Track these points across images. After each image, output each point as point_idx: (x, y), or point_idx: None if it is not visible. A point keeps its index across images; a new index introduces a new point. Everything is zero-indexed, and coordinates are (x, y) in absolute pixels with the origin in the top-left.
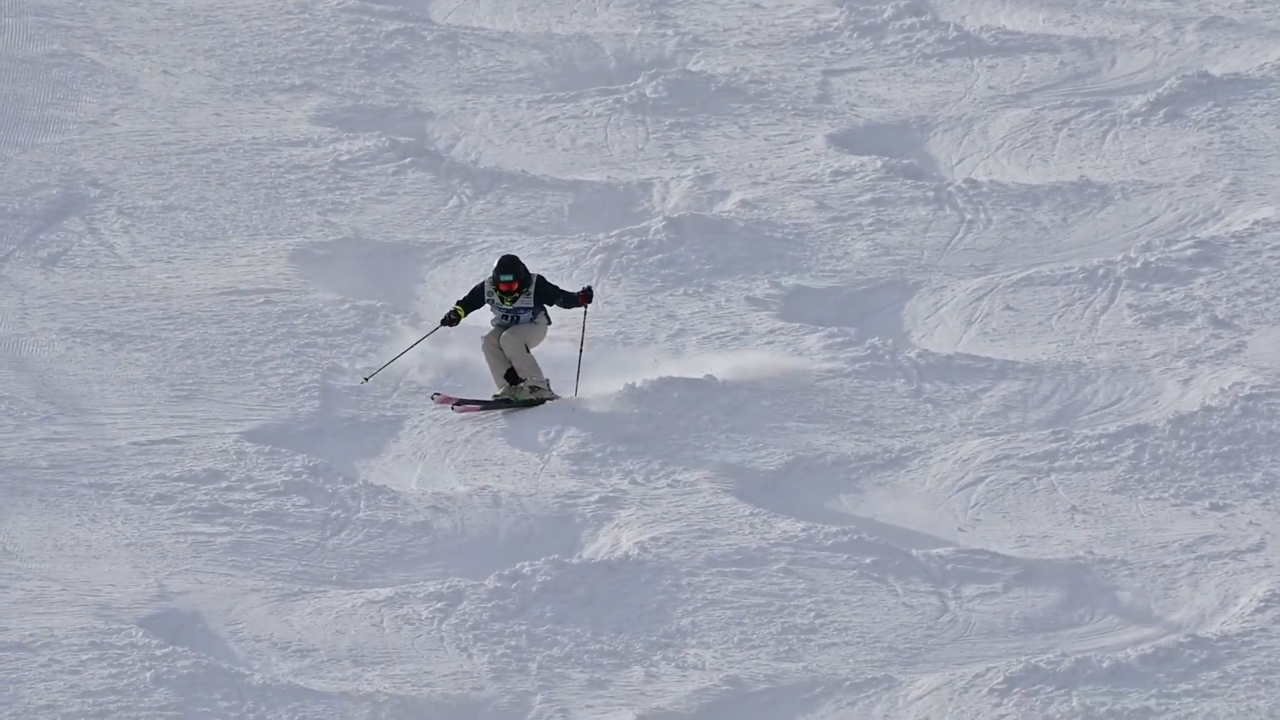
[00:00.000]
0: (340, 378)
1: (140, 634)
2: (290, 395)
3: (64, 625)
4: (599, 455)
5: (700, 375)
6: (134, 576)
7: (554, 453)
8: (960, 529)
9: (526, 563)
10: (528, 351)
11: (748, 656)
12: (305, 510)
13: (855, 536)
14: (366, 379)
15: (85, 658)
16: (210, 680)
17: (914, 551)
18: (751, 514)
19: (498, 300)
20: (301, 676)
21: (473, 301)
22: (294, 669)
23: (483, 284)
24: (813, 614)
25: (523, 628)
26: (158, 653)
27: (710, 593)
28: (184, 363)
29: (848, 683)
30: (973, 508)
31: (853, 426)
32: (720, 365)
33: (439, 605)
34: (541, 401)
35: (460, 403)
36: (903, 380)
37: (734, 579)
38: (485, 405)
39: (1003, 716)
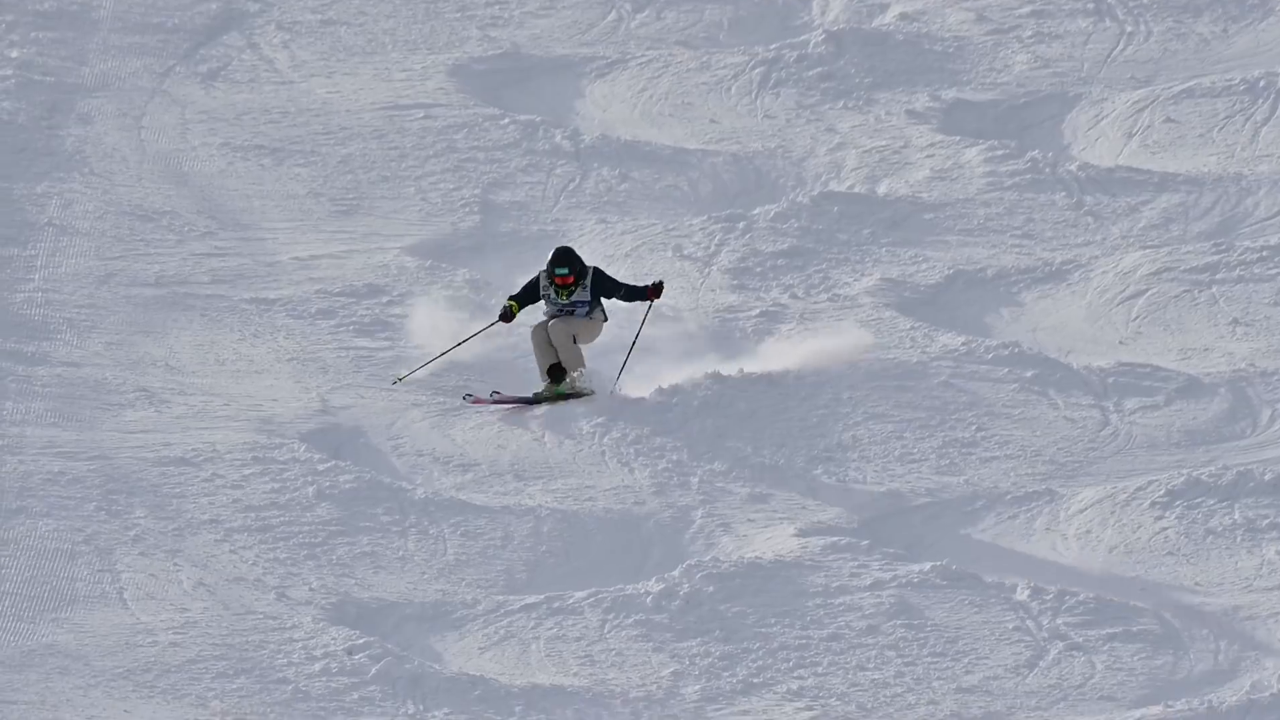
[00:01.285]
0: (500, 192)
1: (302, 449)
2: (450, 210)
3: (226, 440)
4: (759, 269)
5: (861, 190)
6: (296, 391)
7: (714, 267)
8: (1121, 342)
9: (687, 376)
10: (575, 343)
11: (909, 470)
12: (467, 325)
13: (1016, 350)
14: (399, 380)
15: (248, 472)
16: (373, 494)
17: (1075, 364)
18: (912, 328)
19: (553, 295)
20: (464, 491)
21: (526, 296)
22: (456, 483)
23: (537, 278)
24: (974, 428)
25: (683, 442)
26: (320, 467)
27: (871, 406)
28: (344, 178)
29: (1009, 496)
30: (1134, 321)
31: (1013, 239)
32: (886, 184)
33: (599, 421)
34: (578, 396)
35: (497, 400)
36: (1063, 193)
37: (894, 393)
38: (522, 401)
39: (1164, 529)
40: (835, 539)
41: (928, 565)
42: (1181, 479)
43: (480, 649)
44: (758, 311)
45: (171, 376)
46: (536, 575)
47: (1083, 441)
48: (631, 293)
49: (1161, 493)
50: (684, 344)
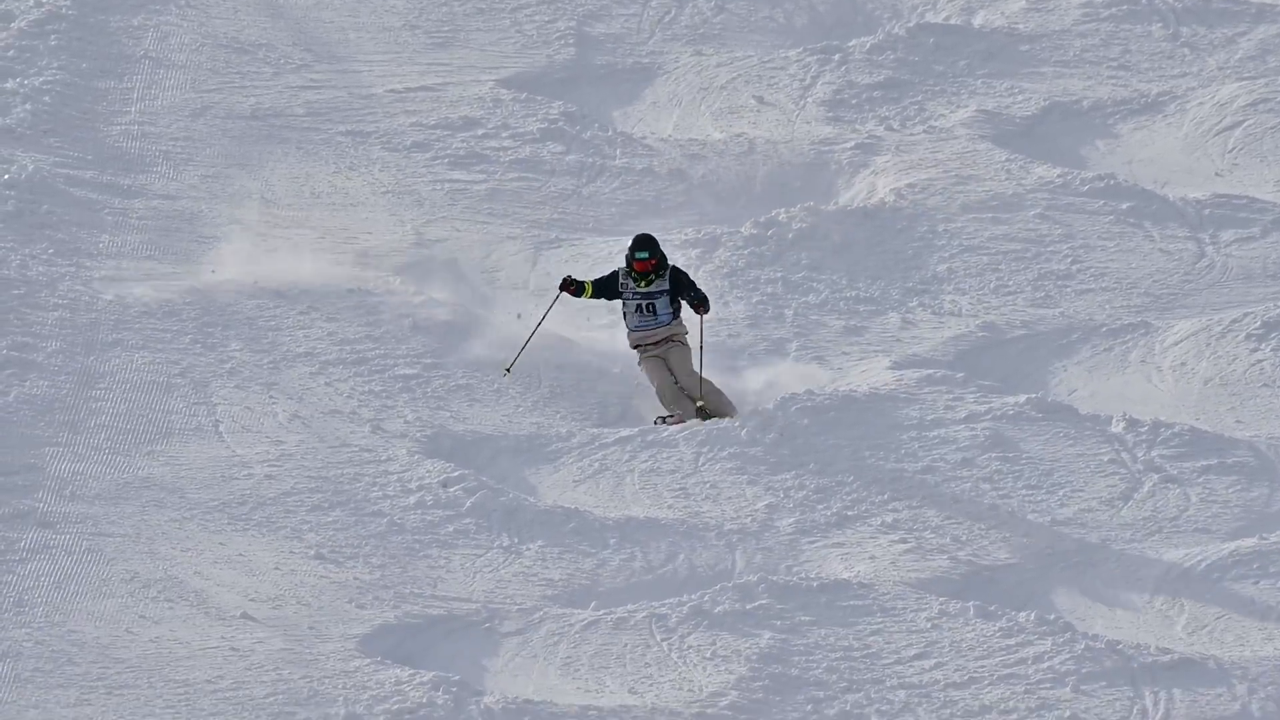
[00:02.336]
0: (595, 24)
1: (397, 281)
2: (545, 43)
3: (321, 273)
4: (854, 102)
5: (957, 21)
6: (391, 224)
7: (809, 99)
8: (1217, 174)
9: (782, 209)
10: (710, 384)
11: (1004, 302)
12: (561, 158)
13: (1111, 182)
14: (507, 370)
15: (342, 305)
16: (467, 327)
17: (1171, 196)
18: (1008, 159)
19: (632, 285)
20: (559, 329)
21: (603, 287)
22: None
23: (615, 273)
24: (1069, 259)
25: (778, 274)
26: (414, 300)
27: (966, 239)
28: (440, 9)
29: (1104, 329)
30: (1230, 152)
31: (1109, 71)
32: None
33: (695, 253)
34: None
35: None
36: (1159, 24)
37: (990, 225)
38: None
39: (1259, 361)
40: (930, 372)
41: (1023, 398)
42: (1278, 311)
43: (575, 482)
44: (853, 144)
45: (266, 209)
46: (630, 408)
47: (1178, 274)
48: (698, 299)
49: (1257, 325)
50: (779, 175)
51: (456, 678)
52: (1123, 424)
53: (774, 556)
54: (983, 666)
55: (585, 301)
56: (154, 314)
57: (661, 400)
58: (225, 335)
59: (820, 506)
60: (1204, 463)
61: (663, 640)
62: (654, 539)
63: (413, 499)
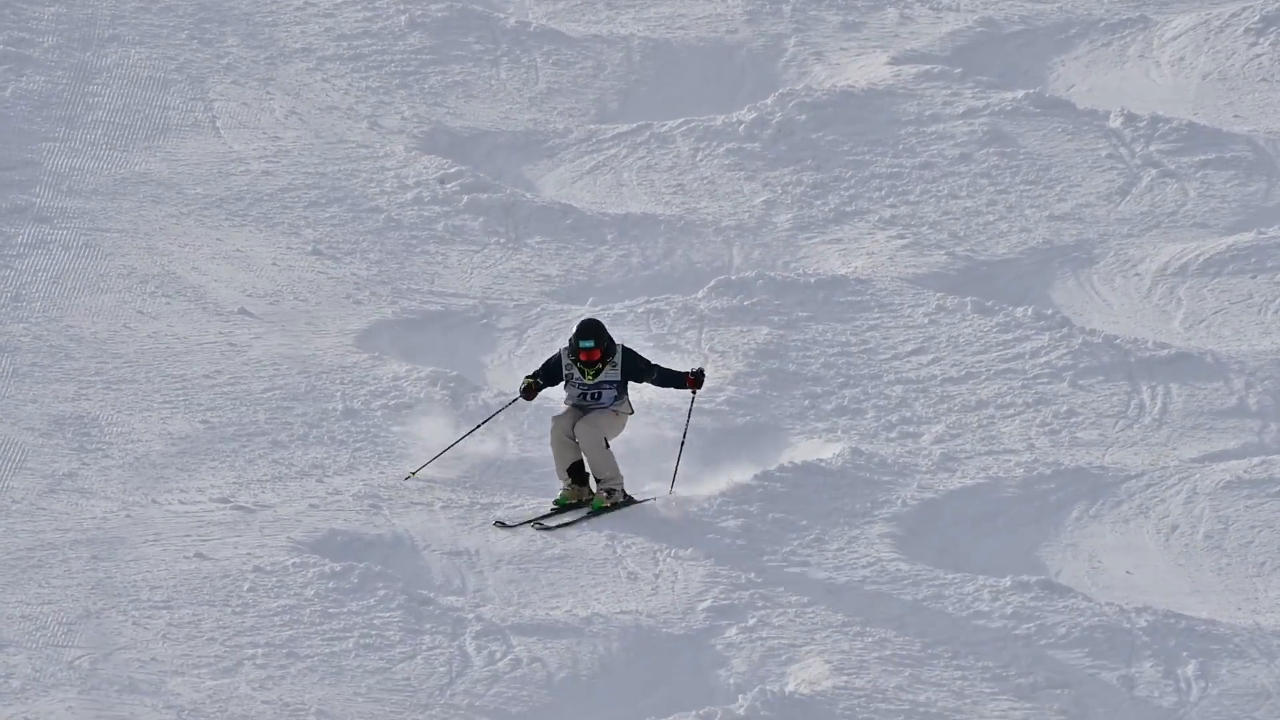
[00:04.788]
0: None
1: None
2: None
3: None
4: None
5: None
6: None
7: None
8: None
9: None
10: (607, 447)
11: None
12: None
13: None
14: (410, 476)
15: (340, 0)
16: (464, 23)
17: None
18: None
19: (577, 375)
20: (554, 20)
21: (547, 375)
22: (547, 13)
23: (558, 355)
24: None
25: None
26: None
27: None
28: None
29: (1103, 23)
30: None
31: None
32: None
33: None
34: (616, 507)
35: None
36: None
37: None
38: (546, 522)
39: (1258, 55)
40: (928, 67)
41: (1020, 93)
42: (1276, 4)
43: (572, 178)
44: None
45: None
46: (628, 104)
47: None
48: (666, 377)
49: (1256, 19)
50: None
51: (454, 373)
52: (1121, 119)
53: (771, 252)
54: (980, 361)
55: None
56: (150, 9)
57: (554, 450)
58: (222, 31)
59: (818, 202)
60: (1202, 157)
61: (659, 336)
62: (651, 235)
63: (410, 195)
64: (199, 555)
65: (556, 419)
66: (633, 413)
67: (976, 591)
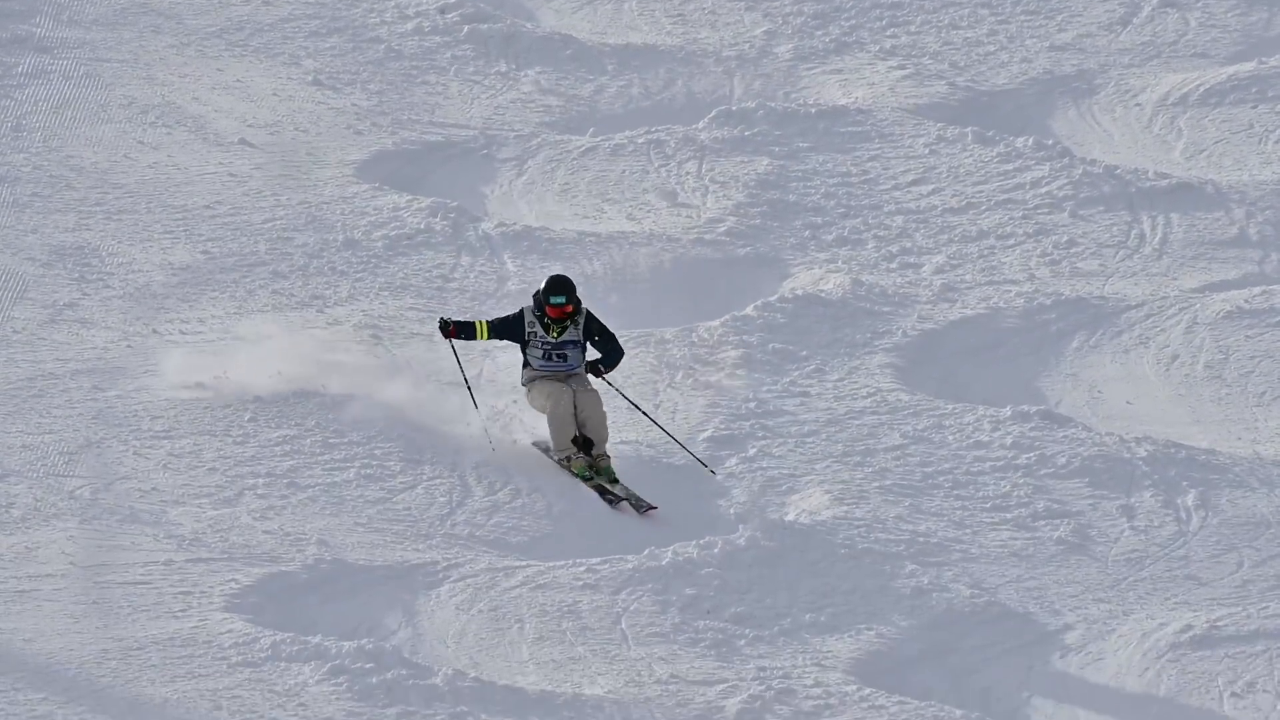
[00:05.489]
0: None
1: None
2: None
3: None
4: None
5: None
6: None
7: None
8: None
9: None
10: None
11: None
12: None
13: None
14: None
15: None
16: None
17: None
18: None
19: (540, 333)
20: None
21: (504, 329)
22: None
23: (520, 313)
24: None
25: None
26: None
27: None
28: None
29: None
30: None
31: None
32: None
33: None
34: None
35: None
36: None
37: None
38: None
39: None
40: None
41: None
42: None
43: (573, 8)
44: None
45: None
46: None
47: None
48: (609, 350)
49: None
50: None
51: (454, 203)
52: None
53: (772, 83)
54: (980, 191)
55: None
56: None
57: (553, 427)
58: None
59: (819, 33)
60: None
61: (660, 167)
62: (652, 65)
63: (410, 25)
64: (199, 385)
65: (552, 395)
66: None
67: (977, 422)
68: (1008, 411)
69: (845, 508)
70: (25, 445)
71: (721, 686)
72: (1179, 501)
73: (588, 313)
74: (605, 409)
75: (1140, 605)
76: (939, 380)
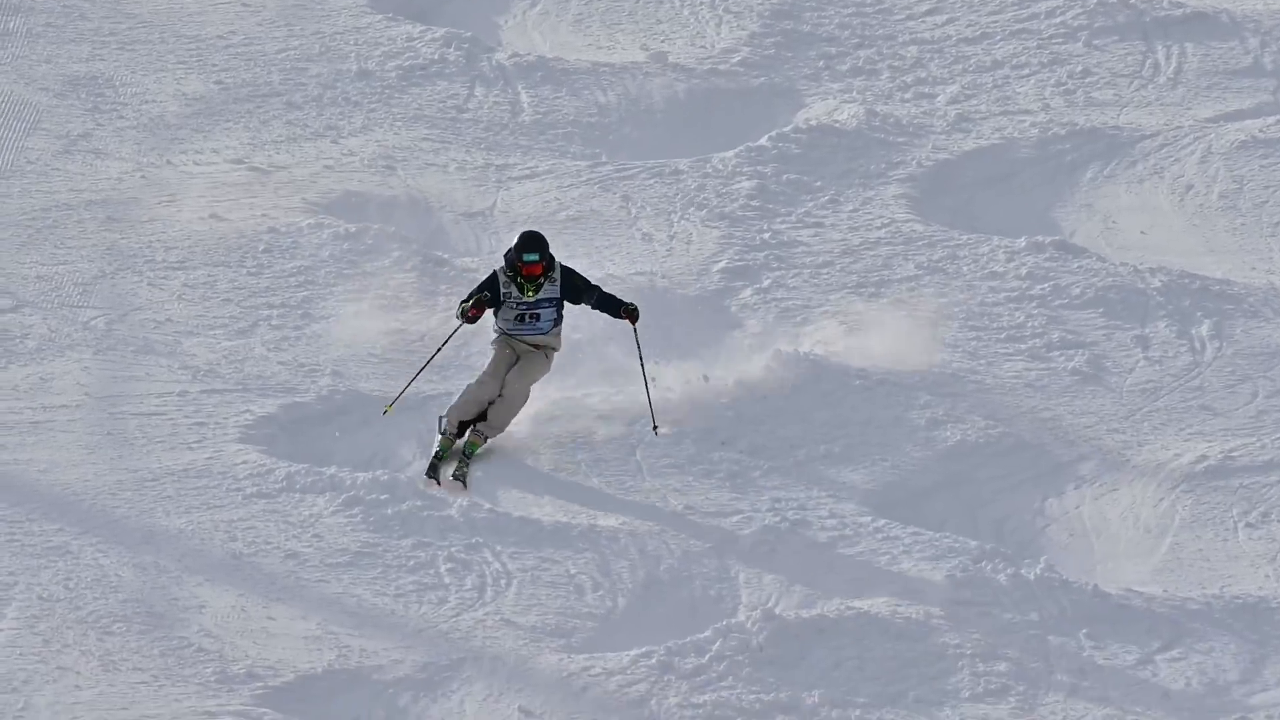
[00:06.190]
0: None
1: None
2: None
3: None
4: None
5: None
6: None
7: None
8: None
9: None
10: (524, 400)
11: None
12: None
13: None
14: (387, 410)
15: None
16: None
17: None
18: None
19: (515, 293)
20: None
21: (490, 301)
22: None
23: (493, 276)
24: None
25: None
26: None
27: None
28: None
29: None
30: None
31: None
32: None
33: None
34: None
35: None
36: None
37: None
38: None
39: None
40: None
41: None
42: None
43: None
44: None
45: None
46: None
47: None
48: (605, 301)
49: None
50: None
51: (468, 34)
52: None
53: None
54: (995, 21)
55: None
56: None
57: (462, 398)
58: None
59: None
60: None
61: None
62: None
63: None
64: (214, 216)
65: (486, 373)
66: (558, 349)
67: (991, 252)
68: (1022, 242)
69: (859, 339)
70: (40, 276)
71: (736, 518)
72: (1193, 332)
73: (563, 268)
74: (526, 401)
75: (1155, 436)
76: (953, 211)
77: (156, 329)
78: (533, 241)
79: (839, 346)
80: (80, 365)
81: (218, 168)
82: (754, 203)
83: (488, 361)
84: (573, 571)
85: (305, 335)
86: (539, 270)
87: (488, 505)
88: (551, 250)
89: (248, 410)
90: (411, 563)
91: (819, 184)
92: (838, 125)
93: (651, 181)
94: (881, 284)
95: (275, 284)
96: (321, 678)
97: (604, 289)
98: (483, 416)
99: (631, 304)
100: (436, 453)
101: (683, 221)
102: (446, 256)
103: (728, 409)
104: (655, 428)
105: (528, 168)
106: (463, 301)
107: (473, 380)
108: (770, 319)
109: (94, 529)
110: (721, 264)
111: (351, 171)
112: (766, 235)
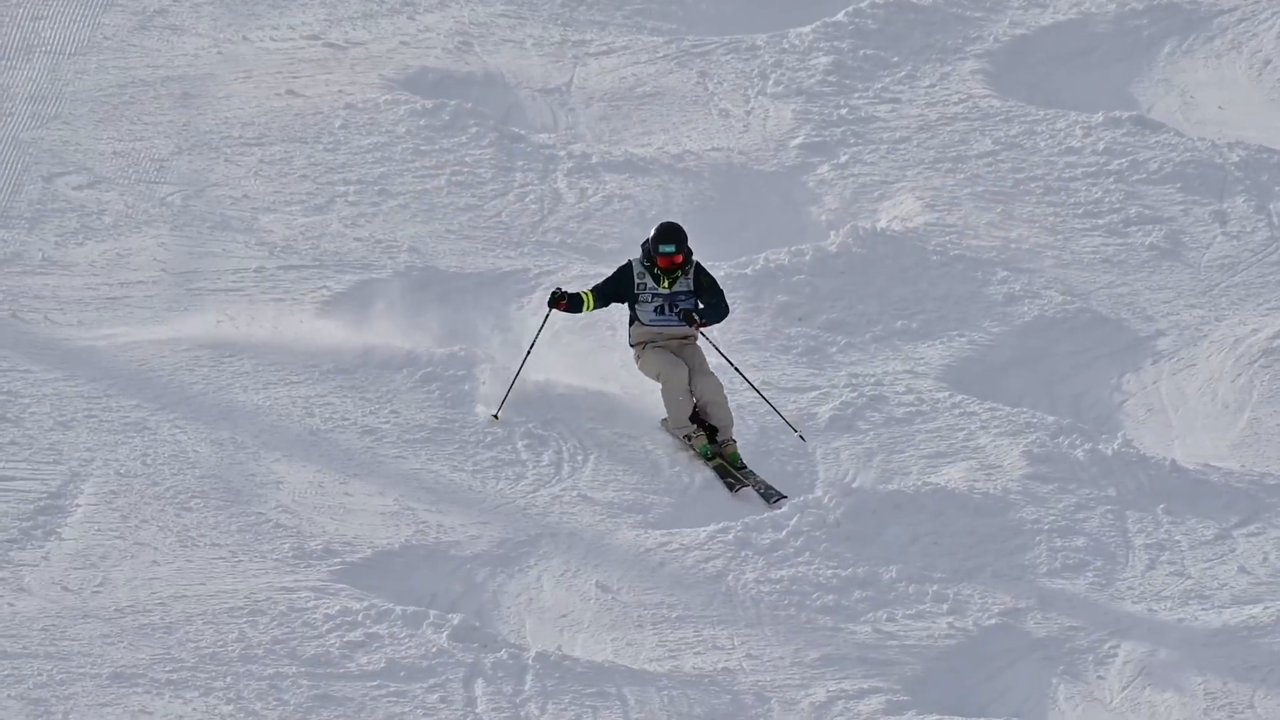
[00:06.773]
0: None
1: None
2: None
3: None
4: None
5: None
6: None
7: None
8: None
9: None
10: (722, 388)
11: None
12: None
13: None
14: (495, 417)
15: None
16: None
17: None
18: None
19: (651, 284)
20: None
21: (613, 289)
22: None
23: (627, 266)
24: None
25: None
26: None
27: None
28: None
29: None
30: None
31: None
32: None
33: None
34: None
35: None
36: None
37: None
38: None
39: None
40: None
41: None
42: None
43: None
44: None
45: None
46: None
47: None
48: (717, 306)
49: None
50: None
51: None
52: None
53: None
54: None
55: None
56: None
57: (669, 403)
58: None
59: None
60: None
61: None
62: None
63: None
64: (290, 92)
65: (667, 367)
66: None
67: (1069, 128)
68: (1100, 117)
69: (937, 214)
70: (116, 152)
71: (814, 393)
72: (1271, 207)
73: (697, 264)
74: (726, 392)
75: (1232, 310)
76: (1030, 86)
77: (233, 205)
78: (670, 233)
79: (917, 222)
80: (157, 241)
81: (294, 44)
82: (831, 78)
83: (656, 368)
84: (649, 447)
85: (382, 211)
86: (678, 261)
87: (564, 382)
88: (685, 231)
89: (325, 286)
90: (489, 438)
91: (896, 59)
92: (914, 0)
93: (728, 57)
94: (959, 159)
95: (351, 160)
96: (399, 553)
97: (723, 297)
98: (713, 431)
99: (698, 314)
100: (706, 456)
101: (759, 97)
102: (523, 133)
103: (805, 284)
104: (800, 436)
105: (604, 43)
106: (589, 290)
107: (661, 387)
108: (847, 194)
109: (171, 405)
110: (799, 140)
111: (428, 48)
112: (844, 111)
